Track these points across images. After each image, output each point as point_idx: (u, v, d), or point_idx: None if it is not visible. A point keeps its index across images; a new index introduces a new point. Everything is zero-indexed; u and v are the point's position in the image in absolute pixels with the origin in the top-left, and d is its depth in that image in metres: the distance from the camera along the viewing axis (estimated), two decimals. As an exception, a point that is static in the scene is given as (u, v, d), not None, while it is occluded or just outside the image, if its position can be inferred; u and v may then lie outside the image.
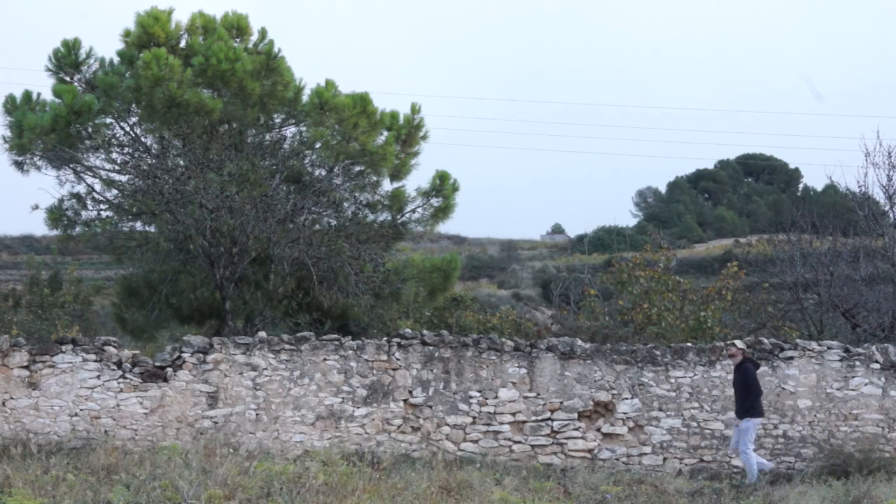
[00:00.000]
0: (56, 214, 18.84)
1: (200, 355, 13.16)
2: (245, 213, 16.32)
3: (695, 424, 13.42)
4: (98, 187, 19.01)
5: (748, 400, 12.40)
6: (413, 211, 20.35)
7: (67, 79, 19.01)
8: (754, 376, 12.52)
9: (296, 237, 16.85)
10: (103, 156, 18.72)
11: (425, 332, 13.84)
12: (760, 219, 61.21)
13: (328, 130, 18.76)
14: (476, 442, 13.34)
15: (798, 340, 14.06)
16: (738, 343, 12.87)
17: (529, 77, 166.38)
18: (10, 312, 22.88)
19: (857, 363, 13.61)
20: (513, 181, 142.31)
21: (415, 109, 20.28)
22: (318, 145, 19.25)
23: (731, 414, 13.44)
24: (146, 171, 17.44)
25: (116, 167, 18.78)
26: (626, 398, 13.47)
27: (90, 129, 18.30)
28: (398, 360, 13.44)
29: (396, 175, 20.20)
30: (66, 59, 18.97)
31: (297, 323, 17.69)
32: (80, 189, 18.95)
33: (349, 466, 9.22)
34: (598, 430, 13.41)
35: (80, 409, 12.88)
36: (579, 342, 13.79)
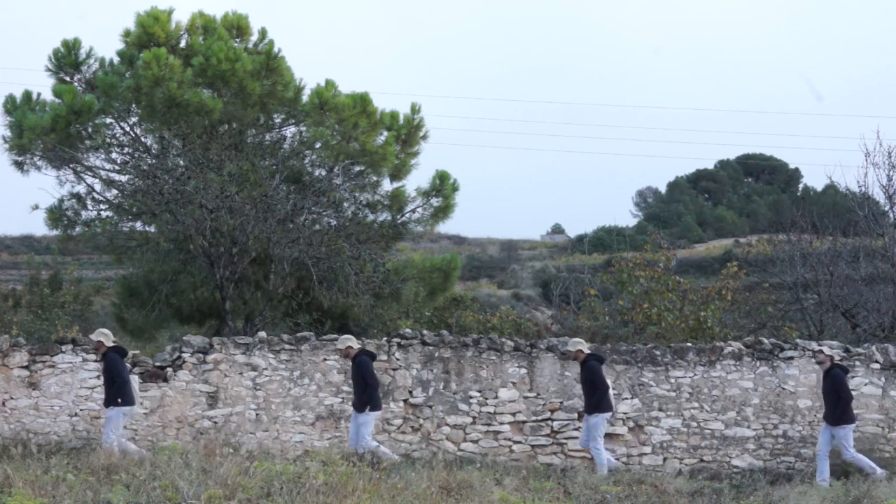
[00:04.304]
0: (56, 214, 18.84)
1: (200, 355, 13.16)
2: (245, 213, 16.31)
3: (695, 424, 13.43)
4: (98, 187, 19.02)
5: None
6: (413, 211, 20.35)
7: (67, 79, 19.01)
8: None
9: (296, 237, 16.85)
10: (103, 156, 18.72)
11: (425, 332, 13.84)
12: (760, 219, 61.15)
13: (328, 130, 18.76)
14: (476, 442, 13.35)
15: (798, 340, 14.06)
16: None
17: (529, 77, 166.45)
18: (10, 312, 22.85)
19: (857, 363, 13.61)
20: (513, 181, 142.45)
21: (415, 109, 20.29)
22: (318, 145, 19.25)
23: (732, 414, 13.46)
24: (146, 171, 17.44)
25: (116, 167, 18.78)
26: (626, 398, 13.47)
27: (90, 129, 18.30)
28: (398, 360, 13.44)
29: (396, 175, 20.20)
30: (66, 59, 18.98)
31: (297, 323, 17.69)
32: (80, 189, 18.98)
33: (349, 466, 9.20)
34: (598, 430, 13.39)
35: (80, 409, 12.88)
36: (579, 342, 13.78)
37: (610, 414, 12.59)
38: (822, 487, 11.46)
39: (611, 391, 12.58)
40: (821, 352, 12.69)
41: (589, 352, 12.70)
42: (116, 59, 18.96)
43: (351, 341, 12.56)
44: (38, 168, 18.79)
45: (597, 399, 12.31)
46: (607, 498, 9.77)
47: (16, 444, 11.39)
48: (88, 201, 18.99)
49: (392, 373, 13.40)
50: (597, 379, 12.34)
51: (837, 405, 12.24)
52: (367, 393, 12.11)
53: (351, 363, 12.44)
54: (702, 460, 13.34)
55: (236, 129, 18.74)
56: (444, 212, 20.42)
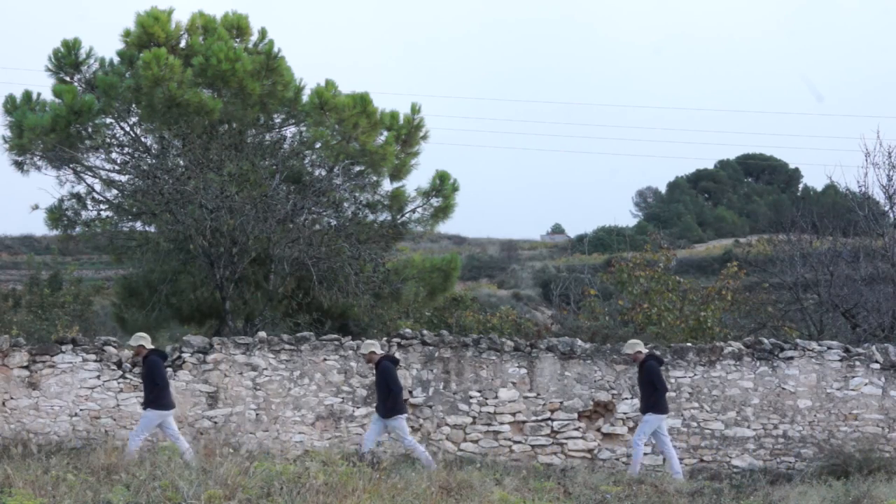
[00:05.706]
0: (56, 214, 18.87)
1: (200, 355, 13.17)
2: (245, 213, 16.32)
3: (695, 424, 13.42)
4: (98, 187, 19.07)
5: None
6: (413, 211, 20.35)
7: (67, 79, 19.03)
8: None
9: (296, 237, 16.85)
10: (103, 156, 18.75)
11: (425, 332, 13.83)
12: (760, 219, 61.12)
13: (328, 130, 18.75)
14: (476, 442, 13.34)
15: (798, 340, 14.06)
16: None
17: (529, 77, 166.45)
18: (10, 312, 22.84)
19: (857, 363, 13.62)
20: (513, 181, 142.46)
21: (415, 109, 20.28)
22: (318, 145, 19.26)
23: (732, 414, 13.46)
24: (146, 171, 17.45)
25: (116, 167, 18.81)
26: (626, 398, 13.47)
27: (90, 129, 18.31)
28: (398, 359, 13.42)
29: (396, 175, 20.19)
30: (66, 59, 19.00)
31: (297, 323, 17.69)
32: (80, 189, 19.03)
33: (349, 466, 9.20)
34: (598, 430, 13.41)
35: (80, 409, 12.88)
36: (579, 342, 13.79)
37: (406, 415, 12.33)
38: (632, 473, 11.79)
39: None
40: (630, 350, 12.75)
41: (383, 353, 12.53)
42: (116, 59, 18.99)
43: (143, 340, 12.17)
44: (38, 168, 18.83)
45: (391, 402, 12.04)
46: (607, 498, 9.77)
47: (16, 444, 11.39)
48: (88, 201, 19.03)
49: (392, 373, 13.38)
50: (391, 381, 12.07)
51: (652, 395, 12.26)
52: (154, 392, 11.83)
53: (142, 362, 12.13)
54: (702, 460, 13.33)
55: (236, 129, 18.74)
56: (444, 212, 20.43)
